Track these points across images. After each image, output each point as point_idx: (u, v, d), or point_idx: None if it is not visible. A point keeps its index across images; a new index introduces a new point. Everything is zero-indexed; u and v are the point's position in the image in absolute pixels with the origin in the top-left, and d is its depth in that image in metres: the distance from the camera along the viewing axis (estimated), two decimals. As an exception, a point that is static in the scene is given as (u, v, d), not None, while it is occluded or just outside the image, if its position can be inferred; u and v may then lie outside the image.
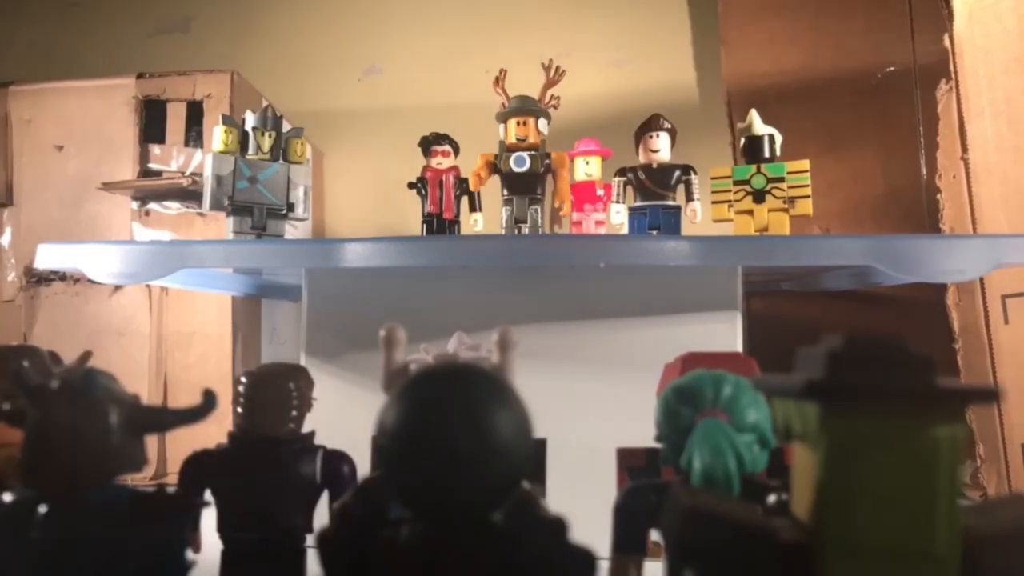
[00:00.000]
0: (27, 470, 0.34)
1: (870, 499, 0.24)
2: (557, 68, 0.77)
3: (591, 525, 0.34)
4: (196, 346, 1.01)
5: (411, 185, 0.77)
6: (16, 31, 1.44)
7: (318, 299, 0.72)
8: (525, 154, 0.71)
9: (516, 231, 0.72)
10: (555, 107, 0.76)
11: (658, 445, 0.38)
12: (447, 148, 0.77)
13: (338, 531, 0.31)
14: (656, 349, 0.67)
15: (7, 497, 0.34)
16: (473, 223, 0.77)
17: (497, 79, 0.77)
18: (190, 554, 0.36)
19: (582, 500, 0.39)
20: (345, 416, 0.53)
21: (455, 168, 0.77)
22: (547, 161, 0.72)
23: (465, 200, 0.77)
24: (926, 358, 0.25)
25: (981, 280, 0.88)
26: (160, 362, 1.01)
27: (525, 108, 0.72)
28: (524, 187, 0.72)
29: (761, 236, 0.67)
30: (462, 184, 0.76)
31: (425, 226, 0.77)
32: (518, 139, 0.72)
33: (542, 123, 0.73)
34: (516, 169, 0.71)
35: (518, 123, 0.72)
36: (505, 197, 0.73)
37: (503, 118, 0.73)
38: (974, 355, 0.88)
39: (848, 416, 0.24)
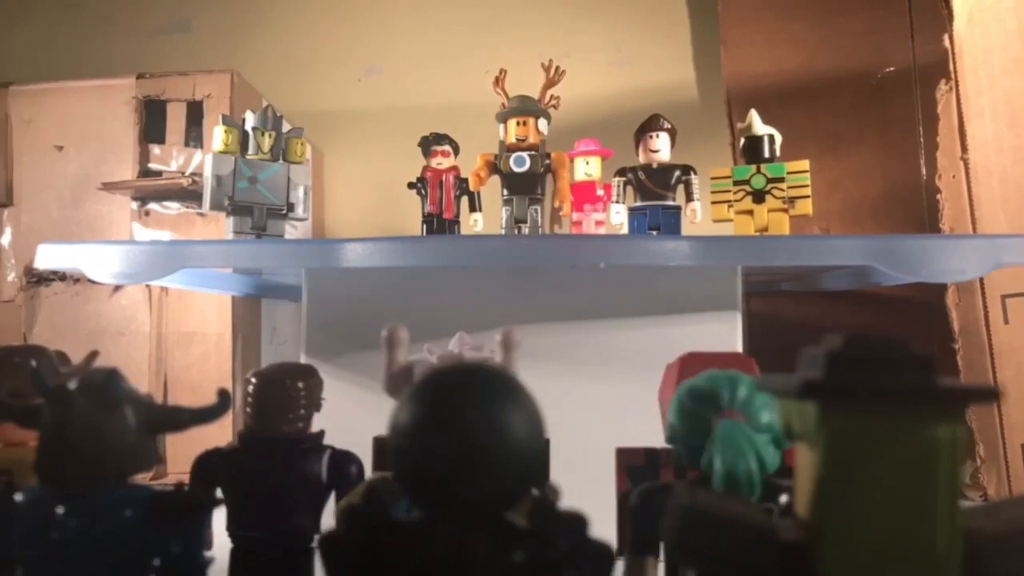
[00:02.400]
0: (46, 469, 0.34)
1: (869, 499, 0.24)
2: (557, 68, 0.77)
3: (591, 525, 0.34)
4: (196, 346, 1.01)
5: (411, 185, 0.77)
6: (16, 31, 1.44)
7: (318, 299, 0.72)
8: (525, 154, 0.71)
9: (516, 231, 0.72)
10: (555, 107, 0.76)
11: (668, 446, 0.38)
12: (447, 148, 0.77)
13: (344, 532, 0.31)
14: (656, 349, 0.67)
15: (25, 496, 0.34)
16: (473, 223, 0.77)
17: (497, 79, 0.77)
18: (206, 551, 0.36)
19: (582, 500, 0.39)
20: (345, 416, 0.53)
21: (455, 168, 0.77)
22: (547, 161, 0.72)
23: (465, 200, 0.77)
24: (926, 357, 0.24)
25: (981, 280, 0.88)
26: (160, 362, 1.01)
27: (525, 108, 0.72)
28: (524, 187, 0.72)
29: (761, 236, 0.67)
30: (462, 184, 0.76)
31: (425, 226, 0.76)
32: (518, 139, 0.72)
33: (542, 123, 0.73)
34: (516, 169, 0.71)
35: (518, 123, 0.72)
36: (505, 197, 0.73)
37: (503, 118, 0.73)
38: (974, 355, 0.88)
39: (847, 416, 0.24)
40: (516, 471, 0.28)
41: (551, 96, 0.77)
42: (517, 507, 0.29)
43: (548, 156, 0.72)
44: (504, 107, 0.74)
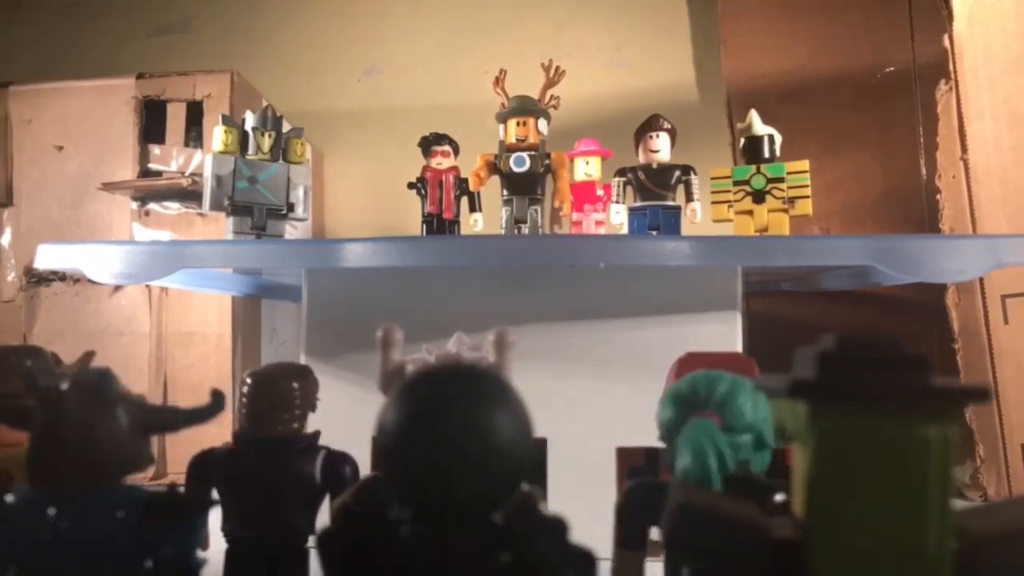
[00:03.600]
0: (38, 471, 0.34)
1: (861, 499, 0.24)
2: (557, 68, 0.77)
3: (591, 525, 0.34)
4: (196, 346, 1.01)
5: (411, 185, 0.76)
6: (16, 31, 1.44)
7: (318, 299, 0.72)
8: (525, 154, 0.71)
9: (516, 231, 0.72)
10: (555, 107, 0.76)
11: (662, 445, 0.38)
12: (447, 148, 0.76)
13: (338, 531, 0.31)
14: (656, 349, 0.67)
15: (17, 497, 0.34)
16: (473, 223, 0.77)
17: (497, 79, 0.77)
18: (200, 552, 0.36)
19: (582, 500, 0.39)
20: (345, 417, 0.53)
21: (455, 168, 0.76)
22: (547, 161, 0.72)
23: (465, 200, 0.77)
24: (918, 358, 0.24)
25: (981, 280, 0.88)
26: (160, 362, 1.01)
27: (525, 108, 0.72)
28: (524, 187, 0.72)
29: (761, 236, 0.67)
30: (462, 184, 0.76)
31: (425, 226, 0.76)
32: (518, 139, 0.72)
33: (542, 123, 0.73)
34: (516, 169, 0.71)
35: (518, 123, 0.72)
36: (505, 197, 0.73)
37: (503, 118, 0.73)
38: (974, 355, 0.88)
39: (838, 416, 0.24)
40: (500, 473, 0.28)
41: (551, 96, 0.77)
42: (504, 508, 0.29)
43: (548, 156, 0.72)
44: (504, 107, 0.74)
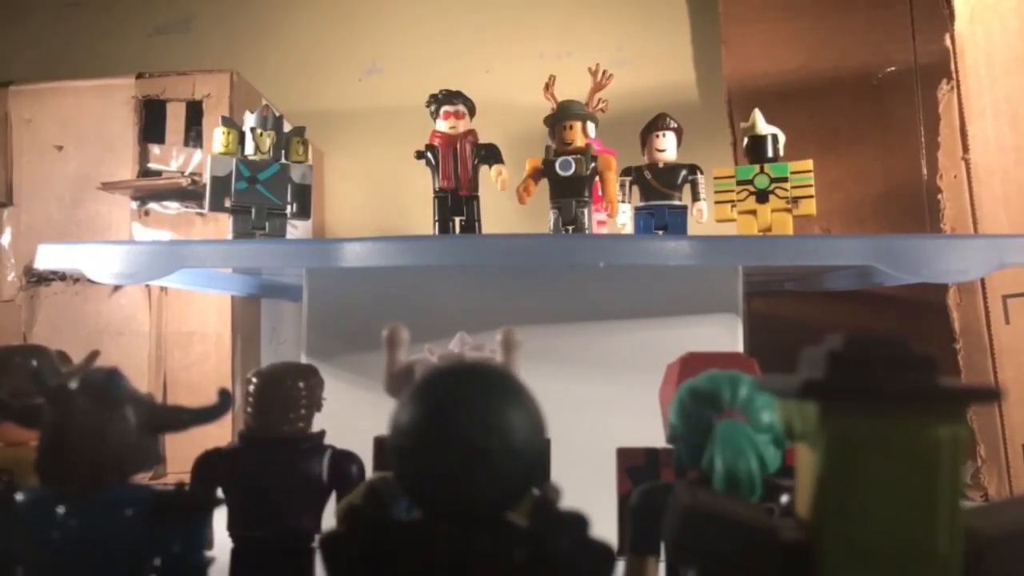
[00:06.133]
0: (47, 470, 0.34)
1: (870, 499, 0.24)
2: (604, 72, 0.75)
3: (592, 524, 0.34)
4: (196, 346, 1.01)
5: (419, 155, 0.67)
6: (16, 31, 1.44)
7: (318, 299, 0.72)
8: (571, 158, 0.69)
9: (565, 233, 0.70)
10: (603, 111, 0.74)
11: (668, 446, 0.38)
12: (461, 108, 0.67)
13: (343, 531, 0.31)
14: (656, 350, 0.66)
15: (26, 496, 0.34)
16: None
17: (547, 85, 0.74)
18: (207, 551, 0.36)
19: (582, 500, 0.39)
20: (345, 416, 0.52)
21: (471, 133, 0.67)
22: (593, 164, 0.69)
23: (484, 171, 0.69)
24: (927, 358, 0.24)
25: (982, 280, 0.88)
26: (159, 362, 1.01)
27: (571, 112, 0.70)
28: (571, 190, 0.69)
29: (761, 236, 0.67)
30: (481, 151, 0.67)
31: (437, 203, 0.66)
32: (564, 143, 0.69)
33: (589, 127, 0.70)
34: (562, 173, 0.69)
35: (565, 127, 0.69)
36: (553, 200, 0.70)
37: (550, 123, 0.71)
38: (975, 355, 0.88)
39: (848, 416, 0.24)
40: (516, 472, 0.28)
41: (599, 100, 0.74)
42: (518, 507, 0.29)
43: (594, 159, 0.69)
44: (553, 112, 0.71)
